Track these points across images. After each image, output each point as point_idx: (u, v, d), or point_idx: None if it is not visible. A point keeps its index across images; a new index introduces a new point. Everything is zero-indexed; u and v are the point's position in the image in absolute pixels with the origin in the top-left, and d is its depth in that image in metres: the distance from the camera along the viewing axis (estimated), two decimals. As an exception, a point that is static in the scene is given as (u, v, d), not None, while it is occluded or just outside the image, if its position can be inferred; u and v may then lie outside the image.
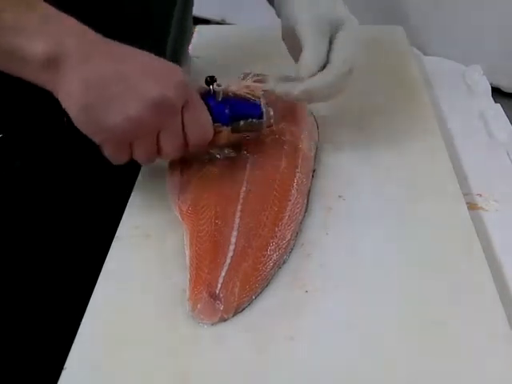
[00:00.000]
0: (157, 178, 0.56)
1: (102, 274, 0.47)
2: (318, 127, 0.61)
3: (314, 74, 0.52)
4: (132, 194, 0.55)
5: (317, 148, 0.59)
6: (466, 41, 0.87)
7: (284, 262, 0.47)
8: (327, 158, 0.59)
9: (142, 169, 0.57)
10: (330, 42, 0.53)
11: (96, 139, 0.46)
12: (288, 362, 0.41)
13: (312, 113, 0.62)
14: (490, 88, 0.75)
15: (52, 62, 0.44)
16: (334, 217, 0.52)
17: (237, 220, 0.48)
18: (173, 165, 0.55)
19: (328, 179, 0.56)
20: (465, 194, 0.55)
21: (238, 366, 0.41)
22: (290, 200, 0.50)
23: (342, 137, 0.61)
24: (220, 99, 0.50)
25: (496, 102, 0.73)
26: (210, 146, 0.52)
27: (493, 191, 0.58)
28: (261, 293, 0.45)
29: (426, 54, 0.83)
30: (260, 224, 0.48)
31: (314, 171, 0.56)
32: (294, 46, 0.54)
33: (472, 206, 0.56)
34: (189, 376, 0.40)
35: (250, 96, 0.51)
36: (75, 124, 0.45)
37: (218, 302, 0.44)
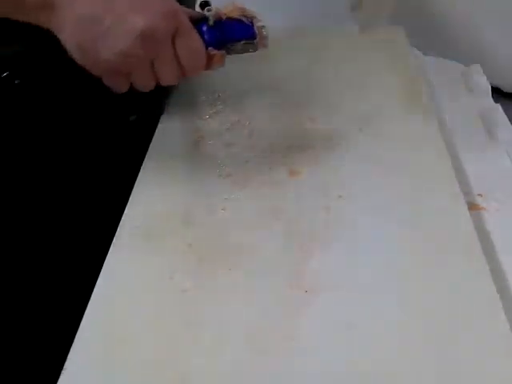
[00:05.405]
0: (157, 177, 0.56)
1: (101, 273, 0.47)
2: None
3: None
4: (132, 194, 0.55)
5: None
6: (466, 41, 0.87)
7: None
8: (327, 157, 0.59)
9: (143, 169, 0.58)
10: None
11: (93, 73, 0.49)
12: (288, 362, 0.41)
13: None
14: (490, 88, 0.75)
15: (47, 2, 0.46)
16: (334, 217, 0.52)
17: None
18: None
19: (328, 179, 0.56)
20: (465, 194, 0.55)
21: (237, 366, 0.41)
22: None
23: (342, 137, 0.61)
24: (212, 23, 0.52)
25: (496, 102, 0.73)
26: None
27: (493, 191, 0.58)
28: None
29: (425, 54, 0.83)
30: None
31: None
32: None
33: (472, 206, 0.55)
34: (189, 376, 0.40)
35: (242, 18, 0.52)
36: (77, 61, 0.48)
37: None
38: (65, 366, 0.41)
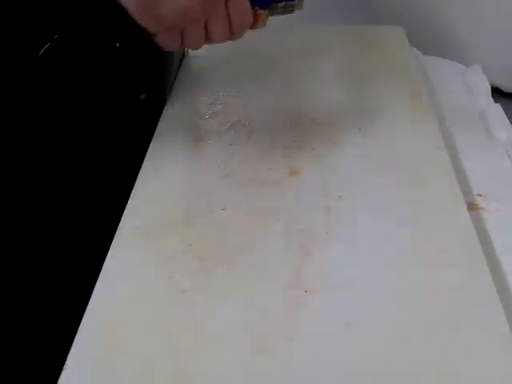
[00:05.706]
0: (157, 177, 0.56)
1: (101, 273, 0.47)
2: None
3: None
4: (132, 194, 0.55)
5: None
6: (466, 41, 0.87)
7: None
8: (327, 157, 0.59)
9: (142, 168, 0.58)
10: None
11: (151, 30, 0.52)
12: (288, 362, 0.41)
13: None
14: (490, 88, 0.75)
15: None
16: (334, 217, 0.52)
17: None
18: None
19: (328, 179, 0.56)
20: (464, 194, 0.55)
21: (237, 365, 0.41)
22: None
23: (342, 137, 0.61)
24: None
25: (496, 102, 0.73)
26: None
27: (493, 191, 0.58)
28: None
29: (425, 53, 0.83)
30: None
31: None
32: None
33: (472, 206, 0.56)
34: (189, 376, 0.40)
35: None
36: (135, 19, 0.51)
37: None
38: (65, 366, 0.41)
